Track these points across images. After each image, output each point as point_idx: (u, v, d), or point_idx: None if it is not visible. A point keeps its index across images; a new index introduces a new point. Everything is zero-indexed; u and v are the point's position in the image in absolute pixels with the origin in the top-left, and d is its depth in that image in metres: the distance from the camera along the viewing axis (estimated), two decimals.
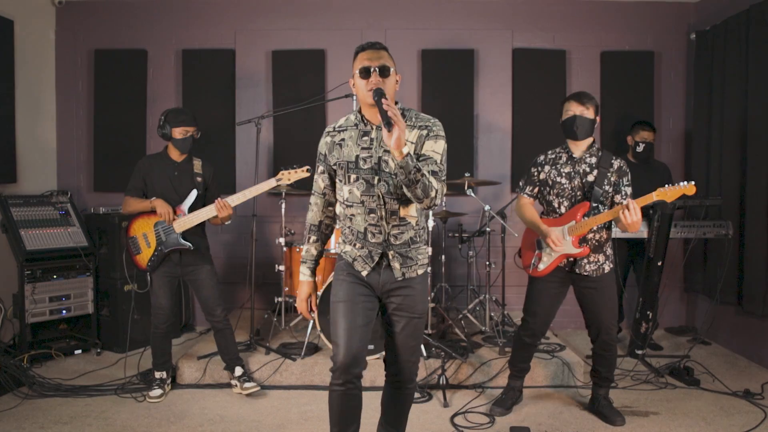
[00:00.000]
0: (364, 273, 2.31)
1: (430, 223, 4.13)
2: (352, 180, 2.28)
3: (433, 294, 4.30)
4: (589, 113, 3.03)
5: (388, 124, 1.97)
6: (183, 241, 3.46)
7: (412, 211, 2.30)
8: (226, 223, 3.54)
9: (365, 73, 2.20)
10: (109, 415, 3.27)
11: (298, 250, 4.32)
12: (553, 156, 3.17)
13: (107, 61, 5.04)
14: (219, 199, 3.43)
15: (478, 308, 4.66)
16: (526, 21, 5.08)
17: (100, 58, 5.05)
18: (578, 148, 3.11)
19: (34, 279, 4.10)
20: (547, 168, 3.15)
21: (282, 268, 4.27)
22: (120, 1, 5.07)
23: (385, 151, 2.23)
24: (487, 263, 4.44)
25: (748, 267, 4.13)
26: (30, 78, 4.75)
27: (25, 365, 3.83)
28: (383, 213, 2.27)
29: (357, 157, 2.27)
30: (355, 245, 2.34)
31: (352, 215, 2.32)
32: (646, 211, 4.09)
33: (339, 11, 5.07)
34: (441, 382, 3.55)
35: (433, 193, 2.12)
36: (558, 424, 3.18)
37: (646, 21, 5.07)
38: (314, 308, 2.48)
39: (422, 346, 3.78)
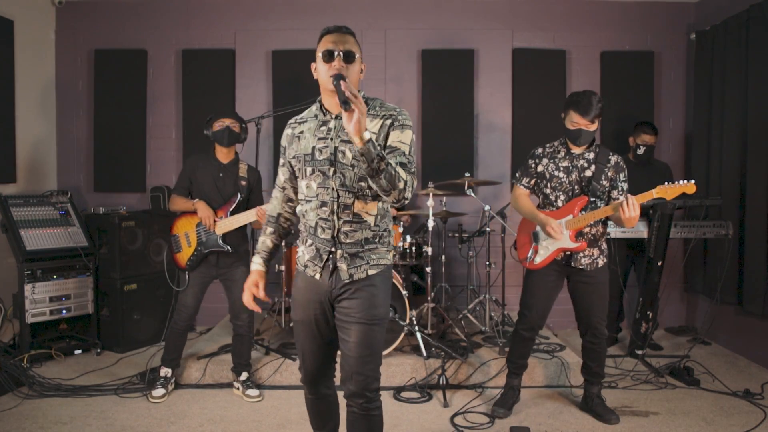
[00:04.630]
0: (317, 276, 2.16)
1: (430, 223, 4.13)
2: (308, 173, 2.14)
3: (433, 294, 4.30)
4: (594, 126, 3.03)
5: (345, 103, 1.79)
6: (222, 243, 3.47)
7: (370, 209, 2.13)
8: None
9: (329, 56, 2.04)
10: (109, 415, 3.27)
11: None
12: (552, 149, 3.18)
13: (107, 61, 5.04)
14: (260, 207, 3.43)
15: (478, 308, 4.66)
16: (526, 21, 5.08)
17: (100, 58, 5.05)
18: (577, 146, 3.12)
19: (34, 279, 4.09)
20: (545, 161, 3.16)
21: (282, 268, 4.27)
22: (120, 1, 5.07)
23: (343, 141, 2.08)
24: (487, 263, 4.44)
25: (748, 267, 4.13)
26: (30, 78, 4.75)
27: (25, 365, 3.83)
28: (335, 207, 2.10)
29: (313, 148, 2.13)
30: (306, 242, 2.22)
31: (306, 210, 2.19)
32: (645, 211, 4.10)
33: (339, 11, 5.07)
34: (441, 382, 3.55)
35: (401, 185, 1.96)
36: (558, 424, 3.18)
37: (646, 21, 5.07)
38: (260, 296, 2.28)
39: (422, 346, 3.78)
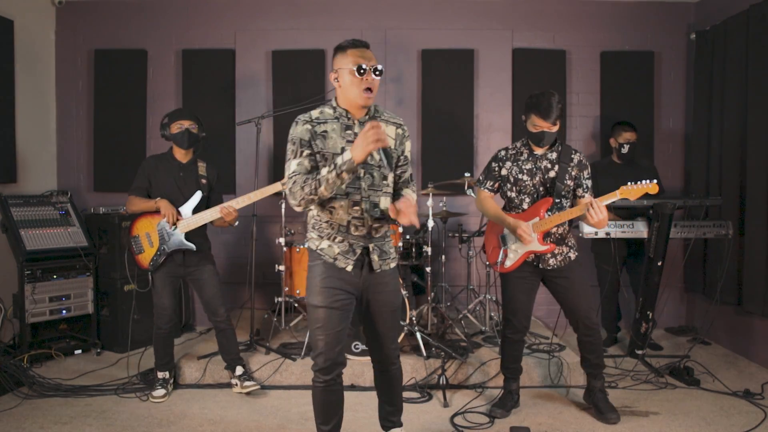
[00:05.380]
0: (348, 268, 2.37)
1: (430, 223, 4.13)
2: None
3: (433, 294, 4.30)
4: (555, 128, 3.02)
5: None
6: (186, 242, 3.46)
7: (387, 204, 2.41)
8: (234, 225, 3.56)
9: (361, 71, 2.25)
10: (109, 415, 3.27)
11: (298, 250, 4.32)
12: (514, 152, 3.17)
13: (107, 61, 5.04)
14: (225, 203, 3.43)
15: (478, 308, 4.66)
16: (526, 21, 5.08)
17: (100, 58, 5.05)
18: (540, 147, 3.12)
19: (34, 279, 4.09)
20: (508, 164, 3.15)
21: (282, 268, 4.27)
22: (120, 1, 5.07)
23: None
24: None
25: (748, 267, 4.13)
26: (30, 78, 4.75)
27: (25, 365, 3.83)
28: (366, 206, 2.35)
29: (342, 149, 2.31)
30: (334, 239, 2.37)
31: (333, 207, 2.34)
32: (645, 211, 4.09)
33: (339, 11, 5.07)
34: (441, 382, 3.55)
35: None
36: (558, 424, 3.18)
37: (646, 21, 5.07)
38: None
39: (422, 346, 3.78)
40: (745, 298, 4.17)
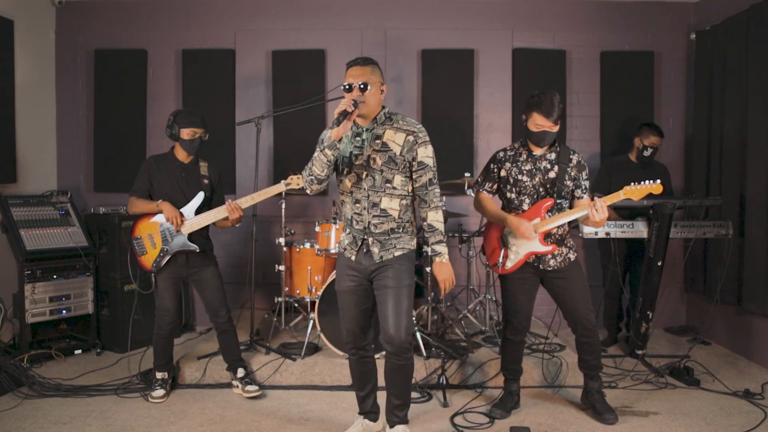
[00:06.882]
0: (353, 258, 2.70)
1: None
2: (345, 172, 2.67)
3: (433, 294, 4.30)
4: (556, 127, 3.01)
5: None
6: (190, 243, 3.44)
7: (393, 205, 2.66)
8: (236, 225, 3.53)
9: (347, 88, 2.56)
10: (109, 415, 3.27)
11: (298, 250, 4.33)
12: (513, 153, 3.16)
13: (107, 61, 5.05)
14: (230, 201, 3.39)
15: (478, 308, 4.66)
16: (526, 21, 5.08)
17: (100, 58, 5.05)
18: (540, 147, 3.10)
19: (34, 279, 4.10)
20: (507, 165, 3.14)
21: (282, 268, 4.27)
22: (120, 1, 5.07)
23: (375, 150, 2.62)
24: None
25: (748, 267, 4.13)
26: (30, 78, 4.75)
27: (25, 365, 3.83)
28: (366, 204, 2.64)
29: (351, 153, 2.64)
30: (347, 232, 2.76)
31: (343, 201, 2.75)
32: (645, 211, 4.10)
33: (339, 11, 5.07)
34: (441, 382, 3.55)
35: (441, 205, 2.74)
36: (558, 424, 3.18)
37: (646, 21, 5.07)
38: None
39: (422, 346, 3.78)
40: (745, 298, 4.17)
